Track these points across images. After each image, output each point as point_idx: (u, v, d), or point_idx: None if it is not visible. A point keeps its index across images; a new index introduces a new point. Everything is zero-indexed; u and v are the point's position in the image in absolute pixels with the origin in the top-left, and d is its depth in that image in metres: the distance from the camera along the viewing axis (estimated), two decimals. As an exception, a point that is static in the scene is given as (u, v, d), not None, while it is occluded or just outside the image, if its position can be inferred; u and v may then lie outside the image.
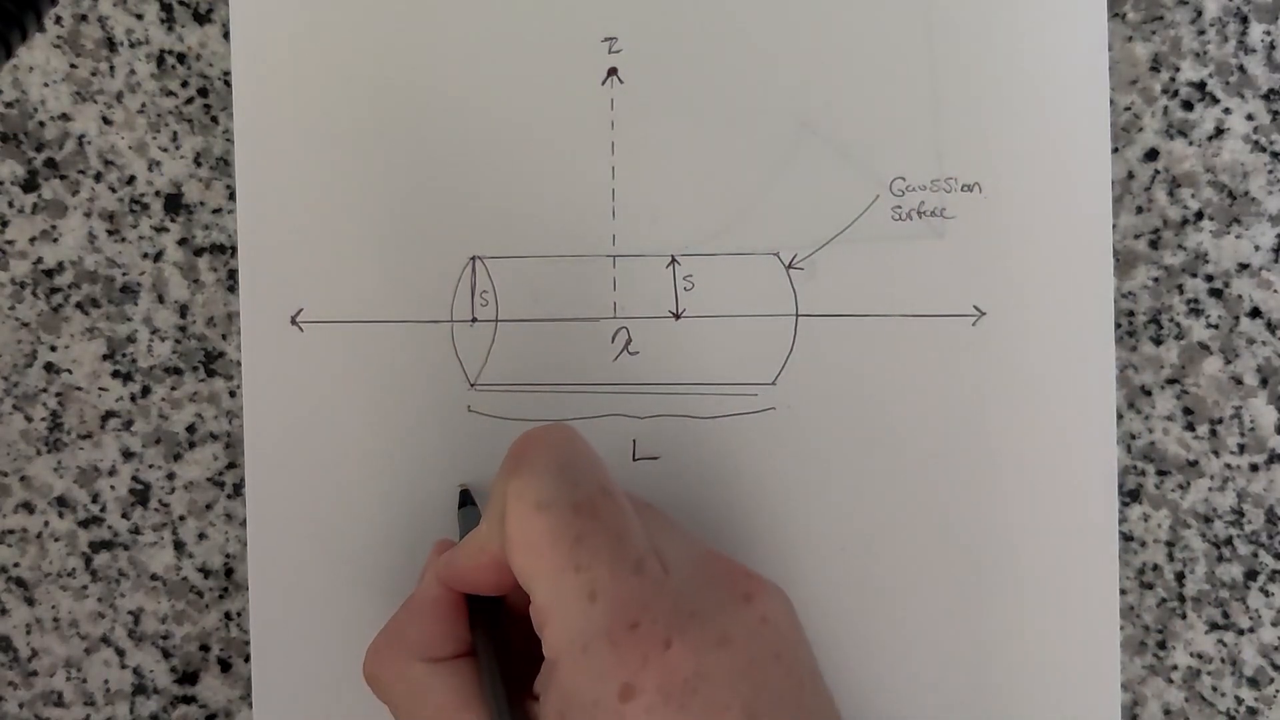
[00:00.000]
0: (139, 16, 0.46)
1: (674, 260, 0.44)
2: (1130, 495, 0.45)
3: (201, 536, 0.47)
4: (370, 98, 0.45)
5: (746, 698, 0.31)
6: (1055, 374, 0.43)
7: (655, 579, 0.33)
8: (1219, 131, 0.44)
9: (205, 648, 0.47)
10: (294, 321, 0.45)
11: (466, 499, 0.44)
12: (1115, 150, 0.44)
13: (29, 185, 0.46)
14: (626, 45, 0.44)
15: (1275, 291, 0.44)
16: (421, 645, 0.37)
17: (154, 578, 0.47)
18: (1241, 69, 0.44)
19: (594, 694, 0.31)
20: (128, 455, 0.47)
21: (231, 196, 0.46)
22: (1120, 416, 0.45)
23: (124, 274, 0.46)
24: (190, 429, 0.47)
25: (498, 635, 0.38)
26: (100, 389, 0.47)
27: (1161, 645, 0.45)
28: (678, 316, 0.44)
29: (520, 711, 0.34)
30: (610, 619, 0.32)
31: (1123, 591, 0.45)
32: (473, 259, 0.45)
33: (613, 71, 0.44)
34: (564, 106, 0.45)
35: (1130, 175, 0.44)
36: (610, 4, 0.44)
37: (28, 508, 0.47)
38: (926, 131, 0.44)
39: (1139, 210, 0.44)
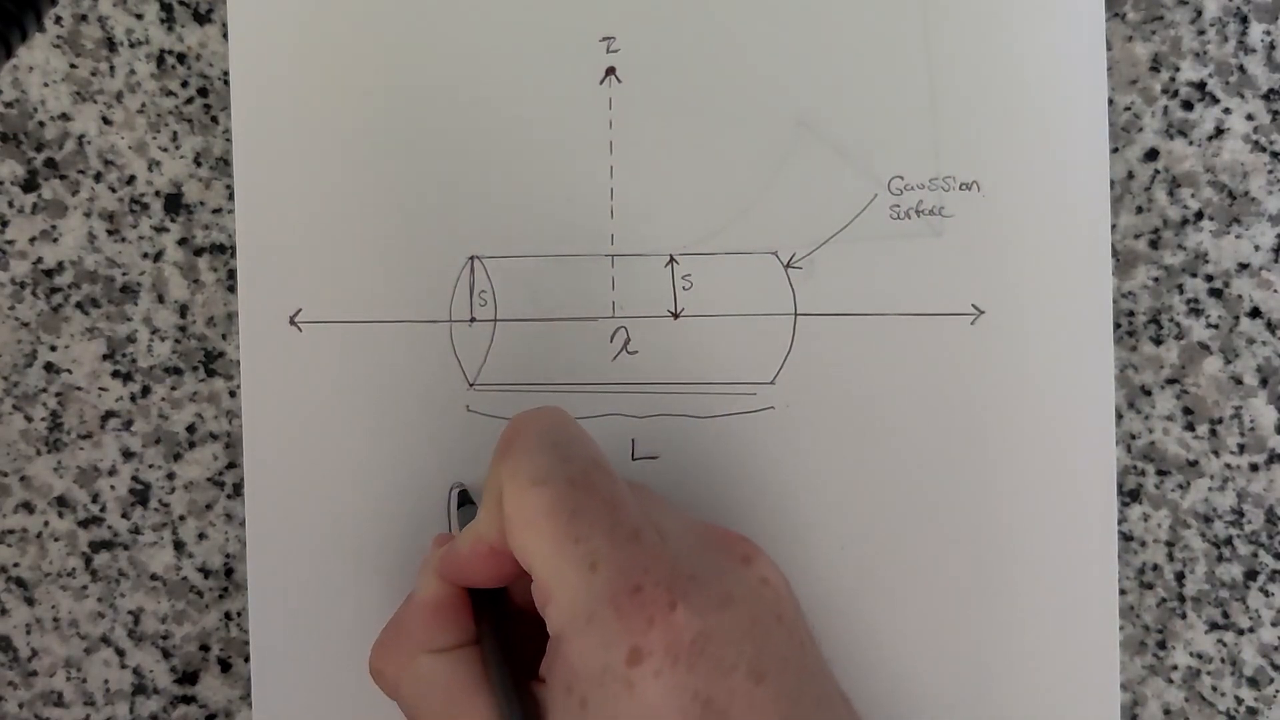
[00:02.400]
0: (139, 16, 0.46)
1: (672, 259, 0.44)
2: (1130, 495, 0.45)
3: (201, 536, 0.47)
4: (368, 98, 0.45)
5: (751, 656, 0.31)
6: (1054, 372, 0.43)
7: (654, 545, 0.33)
8: (1219, 131, 0.44)
9: (205, 648, 0.47)
10: (293, 322, 0.45)
11: (465, 499, 0.44)
12: (1115, 150, 0.44)
13: (29, 185, 0.46)
14: (624, 45, 0.44)
15: (1275, 291, 0.44)
16: (425, 638, 0.37)
17: (154, 578, 0.47)
18: (1241, 69, 0.44)
19: (601, 661, 0.31)
20: (128, 455, 0.47)
21: (231, 196, 0.46)
22: (1120, 416, 0.45)
23: (124, 274, 0.46)
24: (190, 429, 0.47)
25: (502, 623, 0.38)
26: (100, 389, 0.47)
27: (1161, 645, 0.45)
28: (676, 316, 0.44)
29: (527, 695, 0.34)
30: (613, 585, 0.32)
31: (1123, 591, 0.45)
32: (471, 259, 0.45)
33: (611, 71, 0.44)
34: (562, 106, 0.45)
35: (1130, 175, 0.44)
36: (608, 3, 0.44)
37: (28, 508, 0.47)
38: (924, 130, 0.44)
39: (1139, 210, 0.44)
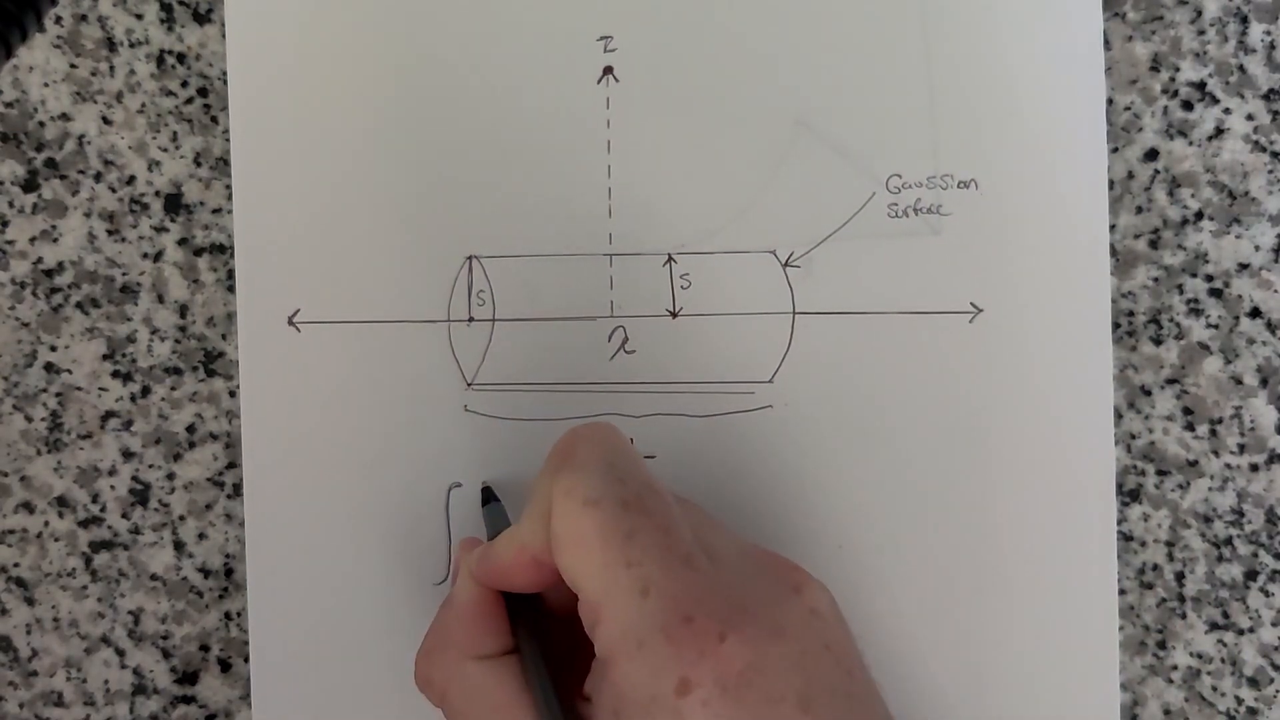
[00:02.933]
0: (139, 16, 0.46)
1: (671, 259, 0.44)
2: (1130, 495, 0.45)
3: (201, 536, 0.47)
4: (366, 98, 0.45)
5: (799, 688, 0.31)
6: (1052, 369, 0.43)
7: (705, 573, 0.33)
8: (1219, 131, 0.44)
9: (205, 648, 0.47)
10: (291, 322, 0.45)
11: (490, 495, 0.44)
12: (1115, 150, 0.44)
13: (29, 185, 0.46)
14: (622, 44, 0.44)
15: (1275, 291, 0.44)
16: (470, 644, 0.37)
17: (154, 578, 0.47)
18: (1241, 69, 0.44)
19: (650, 690, 0.31)
20: (128, 455, 0.47)
21: (231, 197, 0.46)
22: (1120, 416, 0.45)
23: (124, 274, 0.46)
24: (190, 429, 0.47)
25: (540, 631, 0.37)
26: (100, 389, 0.47)
27: (1161, 645, 0.45)
28: (675, 315, 0.44)
29: (571, 712, 0.34)
30: (664, 613, 0.31)
31: (1123, 591, 0.45)
32: (469, 258, 0.45)
33: (608, 70, 0.44)
34: (560, 105, 0.45)
35: (1130, 175, 0.44)
36: (605, 3, 0.44)
37: (28, 508, 0.47)
38: (922, 128, 0.44)
39: (1139, 210, 0.44)
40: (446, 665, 0.37)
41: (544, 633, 0.37)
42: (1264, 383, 0.44)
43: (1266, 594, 0.44)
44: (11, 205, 0.46)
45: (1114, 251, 0.44)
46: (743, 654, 0.31)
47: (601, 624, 0.32)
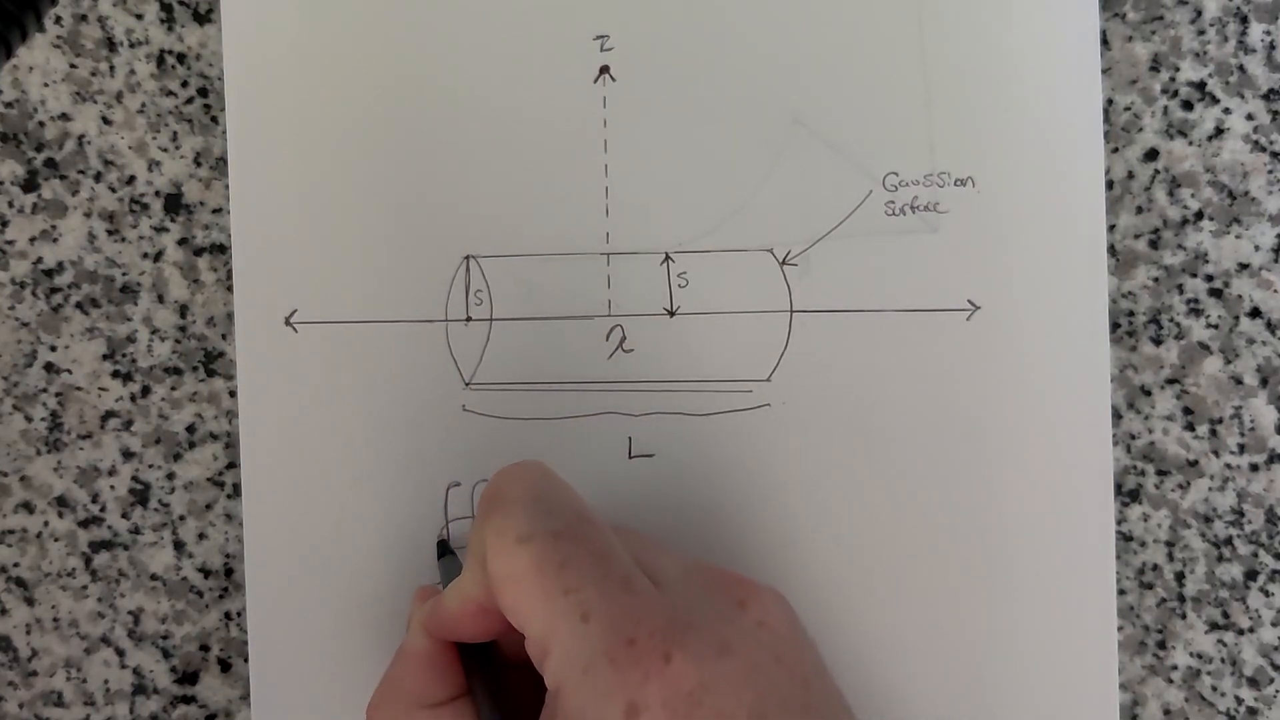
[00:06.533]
0: (139, 16, 0.46)
1: (668, 257, 0.44)
2: (1130, 495, 0.45)
3: (201, 536, 0.47)
4: (363, 98, 0.45)
5: (751, 704, 0.31)
6: (1050, 367, 0.43)
7: (647, 594, 0.33)
8: (1219, 131, 0.44)
9: (205, 648, 0.47)
10: (288, 322, 0.45)
11: (445, 549, 0.44)
12: (1115, 150, 0.44)
13: (29, 185, 0.46)
14: (618, 43, 0.44)
15: (1275, 291, 0.43)
16: (419, 692, 0.37)
17: (154, 578, 0.47)
18: (1241, 69, 0.44)
19: (599, 714, 0.31)
20: (128, 455, 0.47)
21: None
22: (1120, 416, 0.44)
23: (124, 274, 0.46)
24: (190, 429, 0.47)
25: (492, 675, 0.38)
26: (100, 389, 0.47)
27: (1161, 645, 0.45)
28: (672, 314, 0.44)
29: None
30: (607, 637, 0.31)
31: (1122, 591, 0.45)
32: (467, 258, 0.45)
33: (605, 69, 0.44)
34: (556, 105, 0.45)
35: (1130, 175, 0.44)
36: (601, 2, 0.44)
37: (28, 508, 0.47)
38: (919, 126, 0.44)
39: (1139, 210, 0.44)
40: (396, 715, 0.37)
41: (498, 680, 0.38)
42: (1264, 383, 0.44)
43: (1266, 594, 0.44)
44: (11, 205, 0.46)
45: (1114, 251, 0.44)
46: (690, 673, 0.31)
47: (549, 656, 0.32)
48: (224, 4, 0.45)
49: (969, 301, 0.43)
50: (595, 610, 0.32)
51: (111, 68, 0.46)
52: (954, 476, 0.44)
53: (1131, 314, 0.44)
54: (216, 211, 0.46)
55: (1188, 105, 0.44)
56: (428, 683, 0.37)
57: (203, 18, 0.46)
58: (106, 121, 0.46)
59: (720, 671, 0.31)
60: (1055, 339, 0.43)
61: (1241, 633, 0.44)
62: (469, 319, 0.45)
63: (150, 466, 0.47)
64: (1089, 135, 0.43)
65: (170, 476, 0.47)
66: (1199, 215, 0.44)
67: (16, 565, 0.47)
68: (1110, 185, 0.44)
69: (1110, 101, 0.44)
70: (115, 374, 0.47)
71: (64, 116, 0.46)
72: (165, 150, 0.46)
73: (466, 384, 0.45)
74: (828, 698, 0.33)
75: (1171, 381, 0.44)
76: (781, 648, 0.33)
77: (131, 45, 0.46)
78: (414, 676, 0.38)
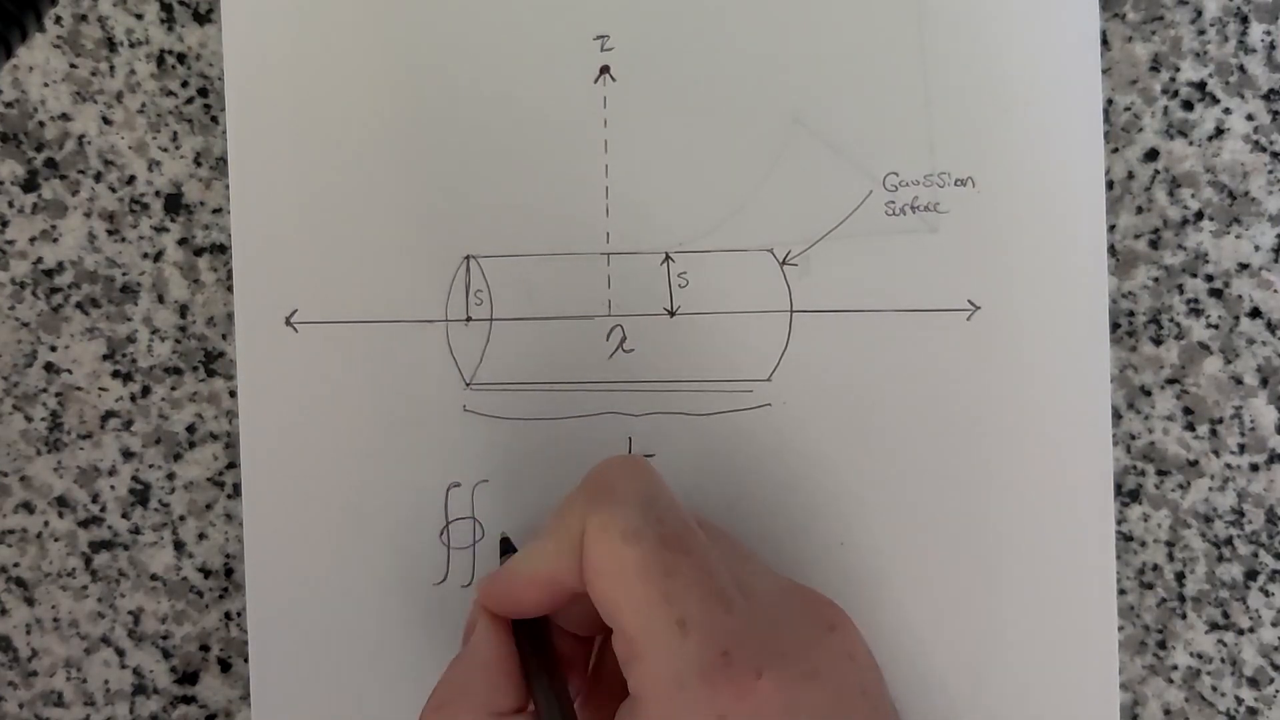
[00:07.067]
0: (139, 16, 0.46)
1: (668, 257, 0.44)
2: (1130, 495, 0.45)
3: (201, 536, 0.47)
4: (363, 98, 0.45)
5: None
6: (1050, 367, 0.43)
7: (742, 612, 0.33)
8: (1219, 131, 0.44)
9: (205, 648, 0.47)
10: (288, 322, 0.45)
11: (508, 545, 0.43)
12: (1115, 150, 0.44)
13: (29, 185, 0.46)
14: (618, 43, 0.44)
15: (1275, 291, 0.43)
16: (489, 699, 0.36)
17: (154, 578, 0.47)
18: (1241, 69, 0.44)
19: None
20: (128, 455, 0.47)
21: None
22: (1120, 416, 0.44)
23: (124, 274, 0.46)
24: (190, 429, 0.47)
25: (555, 686, 0.37)
26: (100, 389, 0.47)
27: (1161, 645, 0.45)
28: (672, 314, 0.44)
29: None
30: (703, 652, 0.31)
31: (1123, 591, 0.45)
32: (467, 258, 0.45)
33: (605, 69, 0.44)
34: (557, 105, 0.45)
35: (1130, 175, 0.44)
36: (601, 2, 0.44)
37: (28, 508, 0.47)
38: (919, 126, 0.44)
39: (1139, 210, 0.44)
40: None
41: (560, 691, 0.37)
42: (1264, 383, 0.44)
43: (1266, 594, 0.44)
44: (11, 205, 0.46)
45: (1114, 251, 0.44)
46: (778, 695, 0.31)
47: (639, 660, 0.32)
48: (224, 4, 0.45)
49: (969, 301, 0.43)
50: (695, 624, 0.32)
51: (111, 68, 0.46)
52: (954, 476, 0.44)
53: (1131, 314, 0.44)
54: (216, 211, 0.46)
55: (1188, 105, 0.44)
56: (497, 687, 0.37)
57: (203, 18, 0.46)
58: (106, 121, 0.46)
59: (808, 696, 0.32)
60: (1055, 339, 0.43)
61: (1241, 633, 0.44)
62: (469, 319, 0.45)
63: (150, 466, 0.47)
64: (1089, 135, 0.43)
65: (170, 476, 0.47)
66: (1199, 215, 0.44)
67: (16, 565, 0.47)
68: (1110, 185, 0.44)
69: (1110, 101, 0.44)
70: (115, 374, 0.47)
71: (64, 116, 0.46)
72: (165, 150, 0.46)
73: (467, 384, 0.45)
74: None
75: (1171, 381, 0.44)
76: (865, 679, 0.34)
77: (131, 45, 0.46)
78: (483, 677, 0.37)
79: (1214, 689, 0.44)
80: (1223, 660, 0.44)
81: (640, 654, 0.32)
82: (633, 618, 0.33)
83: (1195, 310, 0.44)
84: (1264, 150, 0.44)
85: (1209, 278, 0.44)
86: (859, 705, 0.33)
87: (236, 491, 0.47)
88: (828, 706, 0.32)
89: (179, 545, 0.47)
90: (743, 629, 0.32)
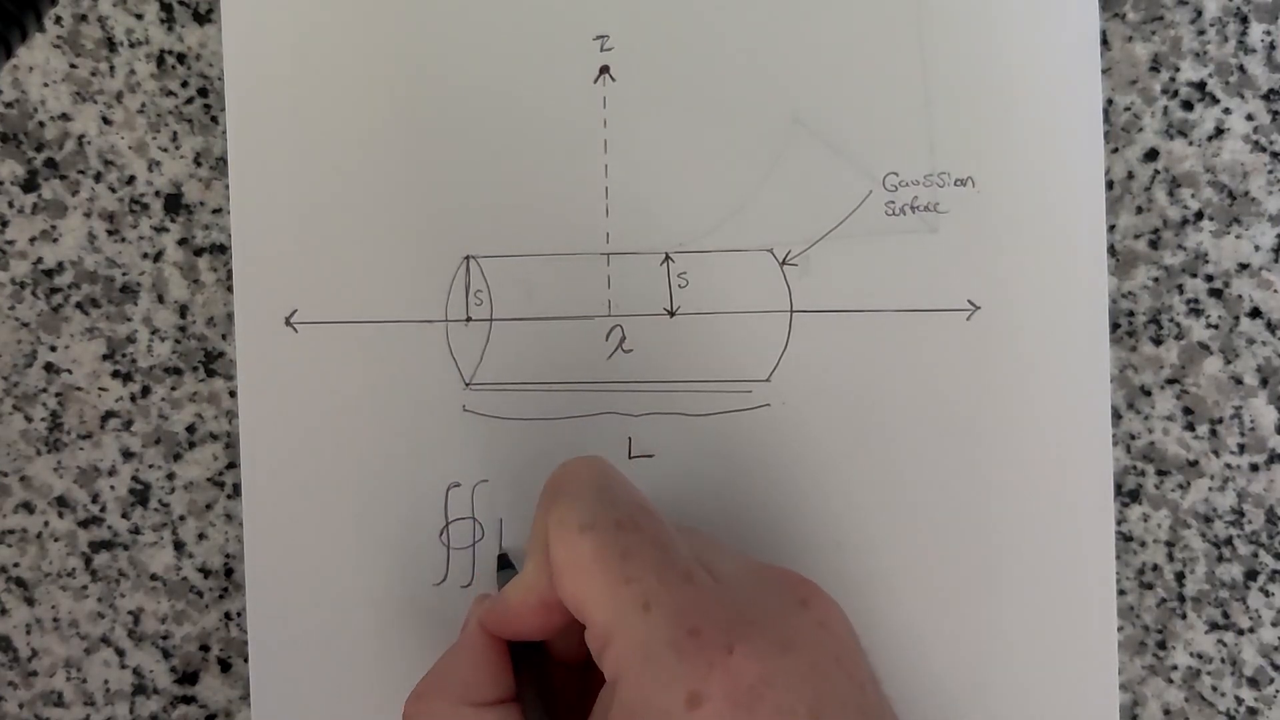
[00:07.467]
0: (139, 16, 0.46)
1: (668, 258, 0.44)
2: (1130, 495, 0.45)
3: (201, 536, 0.47)
4: (363, 99, 0.45)
5: (810, 701, 0.31)
6: (1050, 367, 0.43)
7: (707, 587, 0.33)
8: (1219, 131, 0.44)
9: (205, 648, 0.47)
10: (288, 322, 0.45)
11: (505, 562, 0.44)
12: (1115, 150, 0.44)
13: (29, 185, 0.46)
14: (618, 43, 0.44)
15: (1275, 291, 0.43)
16: (466, 689, 0.37)
17: (154, 578, 0.47)
18: (1241, 69, 0.44)
19: (660, 703, 0.30)
20: (128, 455, 0.47)
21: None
22: (1120, 416, 0.44)
23: (124, 274, 0.46)
24: (190, 429, 0.47)
25: (542, 680, 0.37)
26: (100, 389, 0.47)
27: (1161, 645, 0.45)
28: (672, 314, 0.44)
29: None
30: (669, 627, 0.31)
31: (1122, 591, 0.45)
32: (467, 258, 0.45)
33: (605, 69, 0.44)
34: (556, 105, 0.45)
35: (1130, 175, 0.44)
36: (601, 2, 0.44)
37: (28, 508, 0.47)
38: (919, 126, 0.44)
39: (1139, 210, 0.44)
40: (440, 709, 0.37)
41: (548, 685, 0.37)
42: (1264, 383, 0.44)
43: (1266, 594, 0.44)
44: (11, 205, 0.46)
45: (1114, 251, 0.44)
46: (752, 667, 0.31)
47: (609, 645, 0.32)
48: (224, 4, 0.45)
49: (969, 301, 0.43)
50: (657, 600, 0.32)
51: (111, 68, 0.46)
52: (954, 476, 0.44)
53: (1131, 314, 0.44)
54: (216, 211, 0.46)
55: (1188, 105, 0.44)
56: (477, 678, 0.37)
57: (203, 18, 0.46)
58: (106, 121, 0.46)
59: (782, 667, 0.31)
60: (1055, 339, 0.43)
61: (1241, 633, 0.44)
62: (469, 319, 0.45)
63: (150, 466, 0.47)
64: (1089, 135, 0.43)
65: (170, 476, 0.47)
66: (1199, 215, 0.44)
67: (16, 565, 0.47)
68: (1110, 185, 0.44)
69: (1110, 101, 0.44)
70: (115, 374, 0.47)
71: (64, 116, 0.46)
72: (165, 150, 0.46)
73: (467, 384, 0.45)
74: (882, 705, 0.33)
75: (1171, 381, 0.44)
76: (841, 650, 0.33)
77: (131, 45, 0.46)
78: (463, 669, 0.37)
79: (1214, 689, 0.44)
80: (1223, 660, 0.44)
81: (609, 639, 0.32)
82: (597, 608, 0.33)
83: (1195, 310, 0.44)
84: (1264, 150, 0.44)
85: (1209, 278, 0.44)
86: (835, 674, 0.32)
87: (236, 491, 0.47)
88: (802, 676, 0.31)
89: (179, 545, 0.47)
90: (709, 602, 0.32)
